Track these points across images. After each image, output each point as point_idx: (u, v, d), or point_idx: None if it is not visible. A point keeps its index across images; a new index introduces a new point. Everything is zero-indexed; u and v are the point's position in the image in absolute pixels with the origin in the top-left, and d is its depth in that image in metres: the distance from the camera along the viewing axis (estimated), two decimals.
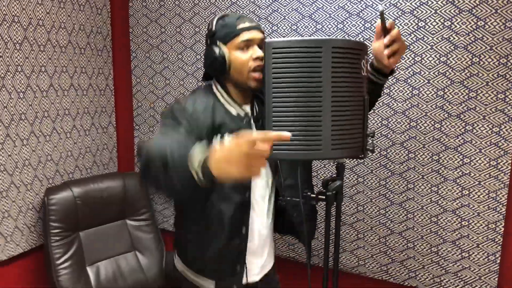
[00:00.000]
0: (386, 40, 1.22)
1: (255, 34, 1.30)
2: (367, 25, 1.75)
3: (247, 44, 1.30)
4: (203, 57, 1.45)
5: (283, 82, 1.03)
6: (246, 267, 1.41)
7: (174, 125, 1.25)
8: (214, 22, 1.33)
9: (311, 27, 1.85)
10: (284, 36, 1.90)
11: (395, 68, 1.39)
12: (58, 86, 2.06)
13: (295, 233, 1.52)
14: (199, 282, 1.44)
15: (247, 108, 1.39)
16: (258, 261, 1.47)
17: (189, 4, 2.12)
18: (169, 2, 2.17)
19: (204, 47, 1.44)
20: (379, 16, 1.23)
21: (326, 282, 1.20)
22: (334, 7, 1.80)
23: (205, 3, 2.07)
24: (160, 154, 1.03)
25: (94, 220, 2.09)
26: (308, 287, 1.33)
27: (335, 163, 1.16)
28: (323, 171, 1.93)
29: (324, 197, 1.15)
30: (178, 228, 1.52)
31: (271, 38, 1.93)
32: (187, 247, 1.46)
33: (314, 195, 1.16)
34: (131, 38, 2.33)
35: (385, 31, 1.22)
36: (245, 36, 1.30)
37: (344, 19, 1.79)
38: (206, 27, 1.39)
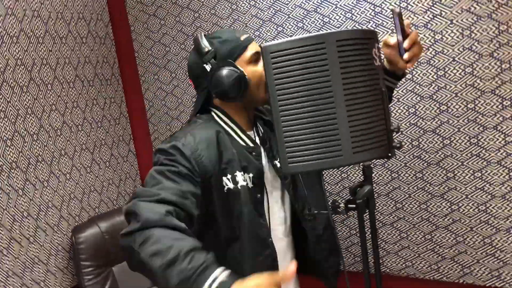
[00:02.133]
0: (406, 43, 1.11)
1: (257, 46, 1.20)
2: (377, 9, 1.62)
3: (257, 57, 1.20)
4: (197, 86, 1.28)
5: (288, 87, 0.93)
6: None
7: (175, 179, 1.08)
8: (206, 42, 1.18)
9: (318, 21, 1.74)
10: (291, 36, 1.80)
11: (407, 71, 1.27)
12: (71, 122, 2.03)
13: (318, 271, 1.38)
14: None
15: (252, 134, 1.27)
16: None
17: (190, 19, 2.05)
18: (170, 20, 2.11)
19: (191, 73, 1.27)
20: (392, 18, 1.11)
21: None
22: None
23: (206, 15, 2.00)
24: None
25: None
26: None
27: (360, 166, 1.05)
28: (345, 182, 1.80)
29: (354, 205, 1.04)
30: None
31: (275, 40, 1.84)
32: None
33: (343, 205, 1.05)
34: (137, 62, 2.28)
35: (403, 32, 1.11)
36: (252, 48, 1.20)
37: (351, 7, 1.67)
38: (194, 48, 1.23)
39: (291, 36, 1.80)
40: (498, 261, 1.61)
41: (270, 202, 1.26)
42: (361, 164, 1.04)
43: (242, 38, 1.20)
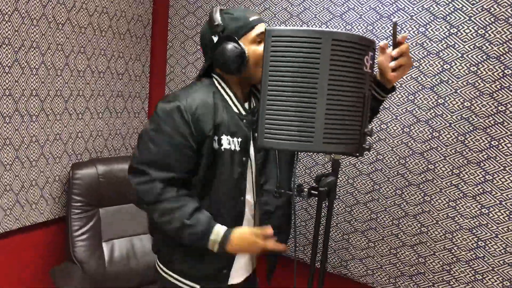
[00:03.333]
0: (394, 52, 1.20)
1: (264, 26, 1.30)
2: (398, 28, 1.70)
3: (262, 38, 1.29)
4: (204, 54, 1.39)
5: (280, 70, 1.02)
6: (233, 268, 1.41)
7: (175, 139, 1.26)
8: (218, 16, 1.28)
9: (340, 27, 1.83)
10: None
11: (396, 86, 1.35)
12: (95, 68, 2.17)
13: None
14: (180, 284, 1.41)
15: (246, 105, 1.38)
16: (243, 262, 1.46)
17: None
18: None
19: (201, 41, 1.38)
20: (391, 29, 1.20)
21: (311, 283, 1.17)
22: (365, 8, 1.76)
23: None
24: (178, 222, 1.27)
25: (114, 198, 2.17)
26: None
27: (331, 159, 1.14)
28: (316, 169, 1.89)
29: (316, 192, 1.13)
30: (156, 232, 1.49)
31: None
32: (169, 251, 1.42)
33: (306, 190, 1.14)
34: (169, 28, 2.40)
35: (395, 43, 1.19)
36: (259, 29, 1.30)
37: (374, 20, 1.75)
38: (208, 20, 1.33)
39: None
40: None
41: (249, 170, 1.38)
42: (332, 156, 1.13)
43: (251, 18, 1.29)
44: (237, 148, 1.32)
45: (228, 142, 1.30)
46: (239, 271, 1.45)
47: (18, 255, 2.00)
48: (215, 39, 1.28)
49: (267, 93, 1.04)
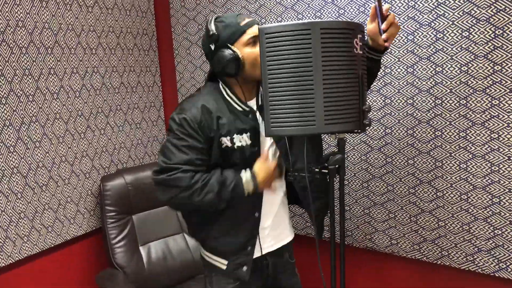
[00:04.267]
0: (383, 25, 1.28)
1: (256, 29, 1.39)
2: (391, 7, 1.76)
3: (254, 40, 1.39)
4: (208, 61, 1.51)
5: (277, 63, 1.12)
6: (259, 242, 1.53)
7: (187, 148, 1.39)
8: (213, 26, 1.39)
9: (334, 12, 1.91)
10: None
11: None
12: (109, 85, 2.30)
13: (306, 208, 1.63)
14: (214, 261, 1.56)
15: (251, 103, 1.49)
16: (272, 233, 1.57)
17: (221, 1, 2.25)
18: (204, 1, 2.32)
19: (203, 49, 1.50)
20: (375, 1, 1.29)
21: (334, 257, 1.27)
22: None
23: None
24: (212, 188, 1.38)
25: (145, 204, 2.31)
26: (318, 265, 1.41)
27: (336, 138, 1.23)
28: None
29: (326, 171, 1.23)
30: (191, 219, 1.61)
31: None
32: (202, 233, 1.56)
33: (317, 169, 1.24)
34: (173, 37, 2.51)
35: (382, 15, 1.28)
36: (250, 32, 1.39)
37: (365, 1, 1.82)
38: (204, 31, 1.47)
39: None
40: (474, 247, 1.75)
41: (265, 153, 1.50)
42: (336, 135, 1.22)
43: (242, 23, 1.39)
44: (248, 142, 1.44)
45: (239, 140, 1.43)
46: (269, 241, 1.57)
47: (65, 267, 2.16)
48: (212, 47, 1.40)
49: (268, 86, 1.14)
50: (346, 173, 2.00)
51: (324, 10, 1.94)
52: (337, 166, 1.23)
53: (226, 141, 1.42)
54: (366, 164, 1.95)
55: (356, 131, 1.18)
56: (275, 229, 1.58)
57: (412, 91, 1.78)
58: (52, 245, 2.06)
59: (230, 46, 1.38)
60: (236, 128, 1.42)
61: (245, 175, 1.40)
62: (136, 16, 2.43)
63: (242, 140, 1.43)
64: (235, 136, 1.42)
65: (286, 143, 1.48)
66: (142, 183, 2.29)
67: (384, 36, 1.28)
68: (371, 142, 1.92)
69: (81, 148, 2.18)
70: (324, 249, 2.17)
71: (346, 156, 1.99)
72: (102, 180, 2.22)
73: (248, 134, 1.44)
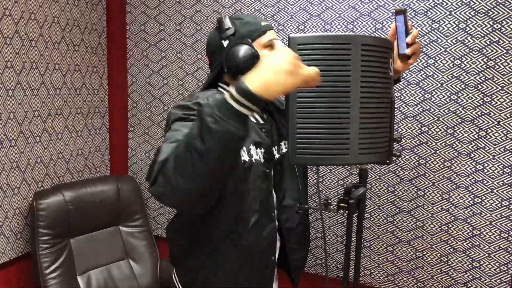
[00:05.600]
0: (409, 38, 1.17)
1: (275, 34, 1.26)
2: (378, 25, 1.69)
3: (272, 44, 1.24)
4: (211, 63, 1.30)
5: None
6: None
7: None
8: (228, 21, 1.23)
9: (319, 27, 1.79)
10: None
11: (401, 77, 1.33)
12: (50, 85, 1.95)
13: (284, 263, 1.43)
14: None
15: (257, 116, 1.30)
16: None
17: (191, 1, 2.03)
18: None
19: (208, 49, 1.31)
20: (393, 16, 1.18)
21: None
22: (344, 7, 1.74)
23: (208, 1, 1.99)
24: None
25: (86, 226, 1.98)
26: None
27: (357, 168, 1.09)
28: (329, 176, 1.85)
29: (346, 205, 1.08)
30: (179, 241, 1.33)
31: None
32: (194, 270, 1.28)
33: (335, 203, 1.09)
34: (127, 36, 2.23)
35: (407, 30, 1.17)
36: (270, 35, 1.24)
37: (354, 19, 1.73)
38: (216, 27, 1.27)
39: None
40: (451, 279, 1.72)
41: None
42: (358, 166, 1.08)
43: (263, 23, 1.26)
44: (262, 160, 1.24)
45: (256, 153, 1.22)
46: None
47: None
48: (226, 43, 1.21)
49: (297, 106, 0.96)
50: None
51: (308, 23, 1.81)
52: (358, 200, 1.08)
53: (243, 153, 1.18)
54: (343, 190, 1.84)
55: (386, 162, 1.05)
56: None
57: (398, 116, 1.71)
58: None
59: (249, 41, 1.20)
60: (252, 139, 1.21)
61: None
62: (86, 7, 2.11)
63: (257, 154, 1.22)
64: (251, 147, 1.20)
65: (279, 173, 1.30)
66: (84, 200, 1.97)
67: (408, 51, 1.17)
68: (349, 167, 1.82)
69: (11, 158, 1.80)
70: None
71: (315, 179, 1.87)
72: (35, 196, 1.86)
73: (263, 150, 1.24)
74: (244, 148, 1.19)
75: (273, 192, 1.29)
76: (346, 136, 0.96)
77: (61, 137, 2.04)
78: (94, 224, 2.01)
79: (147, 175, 0.98)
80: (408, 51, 1.18)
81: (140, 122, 2.27)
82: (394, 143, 1.05)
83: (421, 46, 1.64)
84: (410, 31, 1.18)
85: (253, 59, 1.17)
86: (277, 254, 1.34)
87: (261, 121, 1.28)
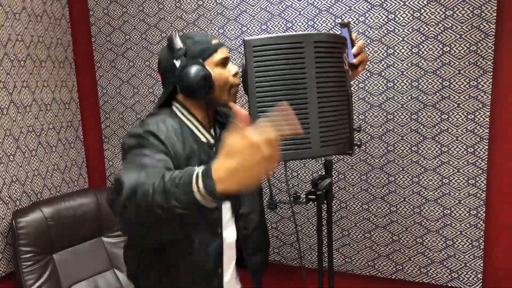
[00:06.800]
0: (354, 49, 1.25)
1: (227, 52, 1.29)
2: (338, 20, 1.74)
3: (225, 62, 1.27)
4: (164, 81, 1.32)
5: (266, 81, 0.99)
6: None
7: (150, 154, 1.10)
8: (178, 40, 1.24)
9: (281, 25, 1.83)
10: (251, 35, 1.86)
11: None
12: (19, 102, 1.95)
13: (243, 265, 1.47)
14: None
15: (212, 132, 1.33)
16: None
17: (154, 9, 2.05)
18: (132, 9, 2.10)
19: (160, 67, 1.32)
20: (341, 29, 1.24)
21: (321, 284, 1.17)
22: (303, 4, 1.78)
23: (171, 7, 2.01)
24: (152, 183, 0.91)
25: (68, 240, 1.98)
26: None
27: (323, 160, 1.13)
28: (303, 170, 1.90)
29: (314, 196, 1.12)
30: (133, 264, 1.37)
31: (243, 38, 1.90)
32: (150, 278, 1.31)
33: (304, 196, 1.13)
34: (94, 48, 2.23)
35: (352, 41, 1.24)
36: (221, 52, 1.26)
37: (314, 15, 1.77)
38: (167, 45, 1.28)
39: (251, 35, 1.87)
40: (427, 259, 1.78)
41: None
42: (324, 158, 1.13)
43: (213, 42, 1.27)
44: None
45: None
46: None
47: None
48: (178, 63, 1.22)
49: (257, 106, 1.00)
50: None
51: (270, 23, 1.85)
52: (324, 191, 1.13)
53: None
54: None
55: (348, 152, 1.09)
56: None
57: (363, 106, 1.76)
58: None
59: (200, 61, 1.22)
60: (199, 159, 1.23)
61: (199, 169, 0.90)
62: (49, 23, 2.11)
63: None
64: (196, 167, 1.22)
65: None
66: (63, 215, 1.97)
67: (355, 60, 1.23)
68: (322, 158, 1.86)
69: None
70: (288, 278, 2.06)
71: (295, 173, 1.91)
72: (14, 215, 1.86)
73: None
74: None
75: (221, 208, 1.30)
76: (307, 131, 1.00)
77: (35, 154, 2.04)
78: (76, 237, 2.01)
79: (110, 197, 0.99)
80: (355, 60, 1.24)
81: (114, 133, 2.28)
82: (355, 134, 1.10)
83: (380, 37, 1.70)
84: (356, 41, 1.25)
85: (205, 79, 1.20)
86: (229, 263, 1.38)
87: (212, 141, 1.30)
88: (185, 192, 0.85)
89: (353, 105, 1.77)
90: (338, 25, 1.73)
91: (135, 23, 2.11)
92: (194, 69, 1.20)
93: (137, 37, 2.12)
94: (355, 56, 1.25)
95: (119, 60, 2.18)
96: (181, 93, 1.27)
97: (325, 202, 1.14)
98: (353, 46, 1.25)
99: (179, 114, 1.29)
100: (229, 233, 1.37)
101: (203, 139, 1.29)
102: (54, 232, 1.92)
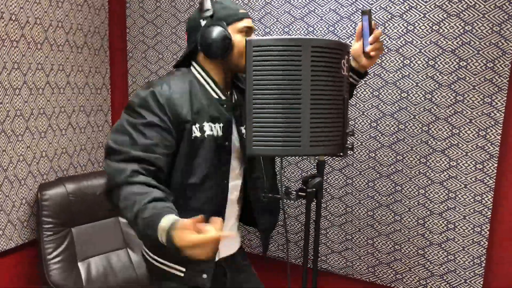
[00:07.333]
0: (371, 38, 1.27)
1: (251, 23, 1.35)
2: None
3: (248, 31, 1.33)
4: (189, 39, 1.39)
5: (264, 79, 1.05)
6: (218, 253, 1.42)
7: (153, 123, 1.23)
8: (209, 3, 1.31)
9: (303, 29, 1.88)
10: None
11: (362, 82, 1.42)
12: (54, 84, 2.10)
13: (254, 224, 1.54)
14: (168, 268, 1.40)
15: (219, 92, 1.39)
16: (226, 243, 1.46)
17: (185, 6, 2.15)
18: (165, 4, 2.21)
19: (188, 26, 1.40)
20: (362, 16, 1.28)
21: (305, 281, 1.22)
22: (325, 10, 1.82)
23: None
24: (131, 206, 1.14)
25: (87, 216, 2.12)
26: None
27: (316, 160, 1.18)
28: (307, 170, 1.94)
29: (304, 194, 1.17)
30: None
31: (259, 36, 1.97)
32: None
33: (294, 191, 1.18)
34: (127, 39, 2.36)
35: (371, 30, 1.27)
36: (246, 22, 1.34)
37: (335, 22, 1.81)
38: (198, 7, 1.36)
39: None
40: (427, 271, 1.78)
41: (232, 155, 1.40)
42: (316, 158, 1.18)
43: (240, 10, 1.34)
44: (220, 134, 1.34)
45: (211, 129, 1.32)
46: (224, 247, 1.44)
47: None
48: (203, 23, 1.31)
49: (253, 101, 1.06)
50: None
51: (292, 26, 1.90)
52: (315, 189, 1.18)
53: (195, 130, 1.29)
54: (325, 184, 1.93)
55: (339, 155, 1.14)
56: (229, 238, 1.49)
57: (376, 114, 1.79)
58: None
59: (223, 24, 1.29)
60: (209, 115, 1.31)
61: (169, 219, 1.07)
62: (88, 12, 2.25)
63: (213, 129, 1.32)
64: (205, 124, 1.30)
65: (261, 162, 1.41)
66: (85, 193, 2.11)
67: (367, 48, 1.26)
68: (332, 162, 1.90)
69: (18, 151, 1.95)
70: (276, 273, 2.11)
71: (299, 171, 1.96)
72: (40, 188, 2.01)
73: (221, 125, 1.34)
74: (197, 125, 1.29)
75: (233, 164, 1.39)
76: (297, 130, 1.05)
77: (65, 133, 2.19)
78: (94, 214, 2.14)
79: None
80: (367, 48, 1.27)
81: None
82: (348, 136, 1.14)
83: (398, 47, 1.72)
84: (374, 31, 1.28)
85: (224, 41, 1.27)
86: (230, 217, 1.45)
87: (223, 97, 1.37)
88: (150, 235, 1.10)
89: (366, 112, 1.80)
90: (360, 11, 1.77)
91: (166, 18, 2.21)
92: (215, 29, 1.28)
93: (167, 31, 2.22)
94: (371, 44, 1.28)
95: (150, 52, 2.30)
96: (201, 53, 1.35)
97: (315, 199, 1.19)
98: (371, 34, 1.28)
99: (194, 72, 1.37)
100: (233, 189, 1.44)
101: (215, 95, 1.37)
102: (74, 207, 2.06)
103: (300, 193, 1.18)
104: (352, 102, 1.82)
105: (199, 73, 1.37)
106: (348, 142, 1.15)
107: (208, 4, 1.32)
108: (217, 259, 1.44)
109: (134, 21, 2.33)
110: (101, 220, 2.18)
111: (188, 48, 1.39)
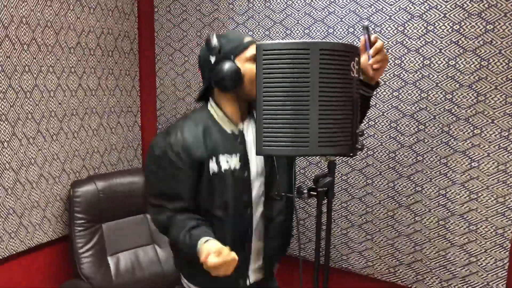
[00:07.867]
0: (371, 51, 1.29)
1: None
2: (377, 29, 1.78)
3: (255, 58, 1.37)
4: (203, 76, 1.47)
5: (273, 81, 1.09)
6: (248, 279, 1.49)
7: (175, 172, 1.38)
8: (215, 40, 1.38)
9: (323, 31, 1.90)
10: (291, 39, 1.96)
11: (381, 83, 1.42)
12: (86, 86, 2.21)
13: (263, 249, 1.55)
14: None
15: (240, 126, 1.45)
16: (257, 265, 1.53)
17: (209, 9, 2.21)
18: (191, 8, 2.28)
19: (199, 63, 1.47)
20: (362, 30, 1.29)
21: (316, 280, 1.24)
22: (345, 12, 1.84)
23: (224, 8, 2.16)
24: (179, 242, 1.37)
25: (116, 213, 2.22)
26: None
27: (327, 160, 1.21)
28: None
29: (315, 193, 1.20)
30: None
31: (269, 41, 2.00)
32: (190, 266, 1.48)
33: (305, 191, 1.21)
34: (155, 42, 2.45)
35: (370, 45, 1.28)
36: (253, 49, 1.38)
37: (354, 23, 1.83)
38: (205, 44, 1.42)
39: (297, 39, 1.96)
40: (449, 273, 1.77)
41: (252, 180, 1.45)
42: (327, 158, 1.20)
43: (245, 40, 1.39)
44: (237, 166, 1.40)
45: (227, 161, 1.39)
46: (253, 274, 1.51)
47: (27, 276, 2.04)
48: (213, 59, 1.37)
49: (263, 104, 1.10)
50: None
51: (313, 28, 1.93)
52: (326, 189, 1.20)
53: (213, 166, 1.38)
54: (346, 185, 1.94)
55: (348, 155, 1.16)
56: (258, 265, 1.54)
57: (396, 114, 1.79)
58: (14, 252, 1.95)
59: (232, 58, 1.36)
60: (224, 148, 1.39)
61: (204, 240, 1.30)
62: (119, 17, 2.35)
63: (230, 161, 1.39)
64: (221, 156, 1.38)
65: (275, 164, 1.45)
66: (114, 190, 2.21)
67: (370, 61, 1.28)
68: (352, 162, 1.91)
69: (52, 150, 2.07)
70: (292, 270, 2.14)
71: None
72: (72, 185, 2.12)
73: (238, 156, 1.41)
74: (213, 159, 1.38)
75: (254, 192, 1.45)
76: (306, 130, 1.08)
77: (96, 134, 2.29)
78: (123, 211, 2.24)
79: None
80: (370, 61, 1.29)
81: (167, 121, 2.48)
82: (358, 137, 1.16)
83: (418, 47, 1.71)
84: (374, 43, 1.29)
85: (234, 74, 1.34)
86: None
87: (236, 132, 1.43)
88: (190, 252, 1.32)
89: (386, 112, 1.81)
90: (361, 27, 1.79)
91: (192, 21, 2.29)
92: (224, 65, 1.35)
93: (193, 34, 2.30)
94: (373, 57, 1.30)
95: (176, 55, 2.38)
96: (215, 87, 1.41)
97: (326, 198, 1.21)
98: (371, 47, 1.30)
99: (210, 109, 1.45)
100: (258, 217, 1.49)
101: (228, 131, 1.42)
102: (104, 204, 2.16)
103: (311, 192, 1.20)
104: (372, 102, 1.82)
105: (214, 109, 1.44)
106: (359, 142, 1.17)
107: (214, 41, 1.38)
108: (248, 284, 1.51)
109: (161, 25, 2.41)
110: (129, 217, 2.27)
111: (204, 84, 1.46)
